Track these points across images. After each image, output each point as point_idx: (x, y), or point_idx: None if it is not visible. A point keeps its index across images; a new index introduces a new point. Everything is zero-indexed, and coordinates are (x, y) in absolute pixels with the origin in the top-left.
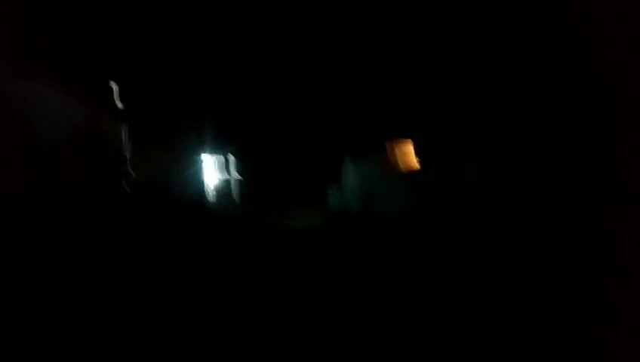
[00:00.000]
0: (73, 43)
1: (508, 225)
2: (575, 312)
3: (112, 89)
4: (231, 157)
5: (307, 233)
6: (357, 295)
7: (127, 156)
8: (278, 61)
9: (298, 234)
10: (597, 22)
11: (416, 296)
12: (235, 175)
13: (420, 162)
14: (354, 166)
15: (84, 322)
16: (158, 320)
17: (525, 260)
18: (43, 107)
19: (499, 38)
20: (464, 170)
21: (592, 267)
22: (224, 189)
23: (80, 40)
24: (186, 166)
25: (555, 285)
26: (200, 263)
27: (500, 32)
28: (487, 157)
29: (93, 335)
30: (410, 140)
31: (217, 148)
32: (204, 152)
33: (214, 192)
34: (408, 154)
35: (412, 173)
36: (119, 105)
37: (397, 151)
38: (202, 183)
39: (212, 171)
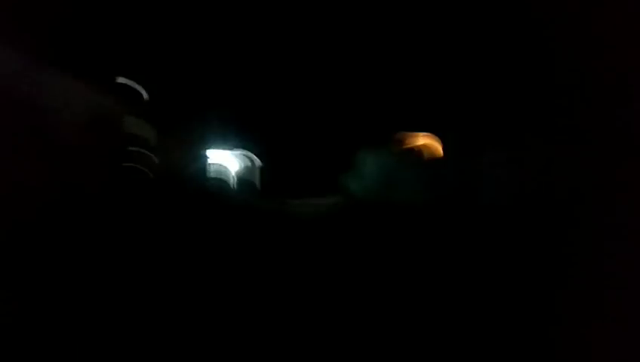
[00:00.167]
0: (90, 33)
1: (526, 219)
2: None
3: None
4: (245, 150)
5: (323, 222)
6: (372, 285)
7: (144, 147)
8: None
9: (315, 223)
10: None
11: (431, 287)
12: (249, 166)
13: (440, 151)
14: (370, 154)
15: (95, 313)
16: (174, 308)
17: (544, 254)
18: (56, 96)
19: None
20: (483, 160)
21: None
22: (243, 181)
23: (97, 30)
24: (202, 157)
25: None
26: (216, 252)
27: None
28: (508, 148)
29: (105, 326)
30: (427, 130)
31: (232, 139)
32: (220, 144)
33: (230, 183)
34: (428, 145)
35: (430, 163)
36: (137, 96)
37: (415, 140)
38: (218, 174)
39: (227, 162)
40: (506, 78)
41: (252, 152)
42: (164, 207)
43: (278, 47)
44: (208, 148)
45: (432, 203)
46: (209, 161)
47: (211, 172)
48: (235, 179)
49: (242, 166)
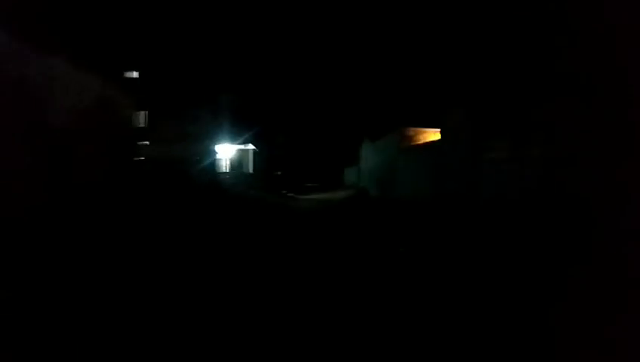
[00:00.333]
0: (93, 22)
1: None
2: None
3: (131, 69)
4: (249, 142)
5: (326, 214)
6: (375, 278)
7: (145, 137)
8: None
9: (316, 215)
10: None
11: (432, 280)
12: (250, 160)
13: (442, 147)
14: (372, 149)
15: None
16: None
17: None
18: (56, 85)
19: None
20: (487, 158)
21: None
22: (242, 173)
23: (100, 19)
24: (203, 150)
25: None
26: (214, 243)
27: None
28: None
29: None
30: (430, 126)
31: (234, 133)
32: (222, 137)
33: (232, 175)
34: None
35: (434, 159)
36: (138, 86)
37: (417, 135)
38: (219, 165)
39: (229, 154)
40: (509, 77)
41: (255, 146)
42: (159, 195)
43: (281, 43)
44: (209, 142)
45: (434, 197)
46: (209, 151)
47: (208, 163)
48: (232, 171)
49: (237, 153)
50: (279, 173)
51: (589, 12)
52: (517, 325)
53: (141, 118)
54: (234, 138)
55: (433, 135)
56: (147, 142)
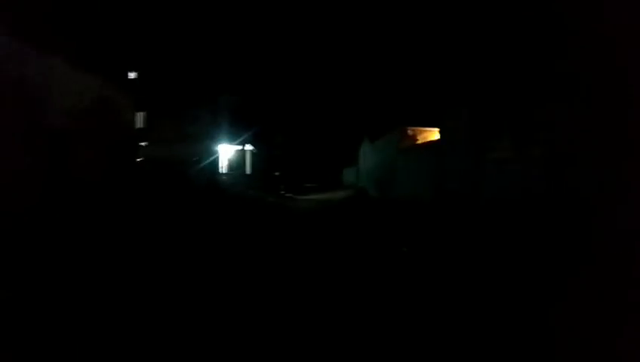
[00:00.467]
0: (92, 22)
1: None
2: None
3: (129, 70)
4: (247, 143)
5: (321, 216)
6: (373, 278)
7: (143, 138)
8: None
9: (315, 216)
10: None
11: (432, 281)
12: (249, 160)
13: (443, 147)
14: (371, 149)
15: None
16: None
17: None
18: (56, 85)
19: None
20: (490, 157)
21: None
22: (240, 174)
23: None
24: (201, 150)
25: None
26: (212, 243)
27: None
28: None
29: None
30: (430, 125)
31: (233, 133)
32: (221, 137)
33: (230, 176)
34: (428, 138)
35: (436, 159)
36: (137, 87)
37: (415, 135)
38: (217, 166)
39: (228, 155)
40: (512, 75)
41: (253, 146)
42: (158, 196)
43: (279, 43)
44: (208, 142)
45: (434, 197)
46: (206, 152)
47: (207, 163)
48: (231, 172)
49: (236, 153)
50: (278, 173)
51: (590, 11)
52: (518, 325)
53: (140, 118)
54: (233, 138)
55: (433, 134)
56: (146, 143)
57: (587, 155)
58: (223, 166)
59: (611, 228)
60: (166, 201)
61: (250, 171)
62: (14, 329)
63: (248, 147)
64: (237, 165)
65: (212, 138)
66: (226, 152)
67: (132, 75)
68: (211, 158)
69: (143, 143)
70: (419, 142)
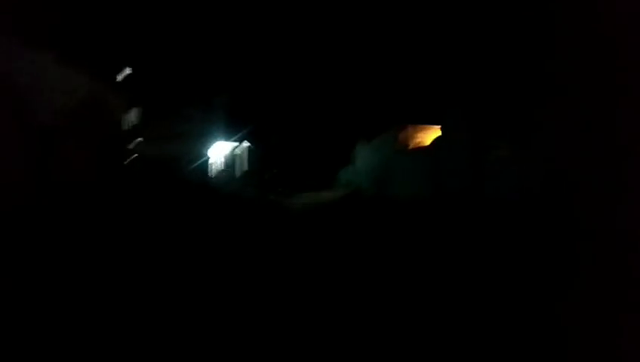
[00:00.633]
0: (81, 19)
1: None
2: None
3: (120, 67)
4: (243, 141)
5: (318, 214)
6: (367, 277)
7: (135, 136)
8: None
9: (309, 215)
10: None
11: (430, 281)
12: (245, 158)
13: (438, 145)
14: (367, 148)
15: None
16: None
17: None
18: (44, 83)
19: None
20: (487, 155)
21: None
22: (235, 172)
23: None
24: (196, 148)
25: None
26: (205, 242)
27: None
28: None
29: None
30: (428, 123)
31: (229, 131)
32: (216, 134)
33: (224, 175)
34: (424, 137)
35: (432, 157)
36: (128, 84)
37: (412, 133)
38: (209, 166)
39: (223, 154)
40: (512, 73)
41: (251, 144)
42: (149, 195)
43: (275, 40)
44: (204, 140)
45: (432, 196)
46: (199, 151)
47: (200, 163)
48: (225, 171)
49: (231, 151)
50: (274, 171)
51: (592, 9)
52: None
53: (134, 115)
54: (228, 136)
55: (431, 133)
56: (140, 140)
57: (588, 154)
58: (219, 164)
59: (613, 228)
60: (159, 201)
61: (245, 169)
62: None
63: (244, 145)
64: (232, 163)
65: (207, 136)
66: (221, 150)
67: (127, 71)
68: (206, 156)
69: (136, 140)
70: (416, 141)
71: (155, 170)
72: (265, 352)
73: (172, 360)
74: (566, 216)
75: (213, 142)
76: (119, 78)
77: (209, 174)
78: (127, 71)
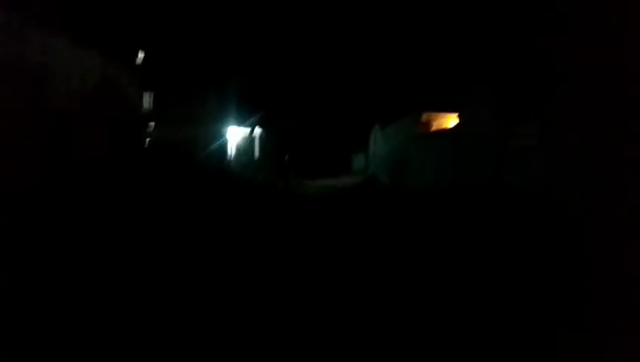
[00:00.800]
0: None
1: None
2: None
3: (136, 50)
4: (256, 126)
5: (330, 203)
6: (381, 265)
7: (150, 119)
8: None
9: (323, 202)
10: None
11: (440, 270)
12: (259, 143)
13: (457, 133)
14: (383, 134)
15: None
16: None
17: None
18: (59, 67)
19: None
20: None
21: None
22: (248, 158)
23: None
24: (210, 133)
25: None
26: (218, 227)
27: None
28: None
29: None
30: (447, 110)
31: (243, 116)
32: (230, 120)
33: (239, 160)
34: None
35: (446, 143)
36: (144, 67)
37: (429, 120)
38: (226, 151)
39: (236, 140)
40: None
41: (263, 130)
42: (163, 178)
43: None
44: (217, 125)
45: (450, 185)
46: (214, 136)
47: (215, 148)
48: (239, 156)
49: (244, 137)
50: (287, 157)
51: None
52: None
53: (147, 100)
54: (242, 121)
55: (450, 120)
56: (154, 125)
57: (621, 146)
58: (232, 149)
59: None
60: (174, 186)
61: (258, 155)
62: (15, 319)
63: (257, 131)
64: (246, 149)
65: (221, 121)
66: (234, 136)
67: (140, 55)
68: (220, 142)
69: (150, 124)
70: (434, 128)
71: (170, 155)
72: (279, 336)
73: (192, 338)
74: (596, 213)
75: (228, 127)
76: (134, 62)
77: (228, 158)
78: (141, 55)
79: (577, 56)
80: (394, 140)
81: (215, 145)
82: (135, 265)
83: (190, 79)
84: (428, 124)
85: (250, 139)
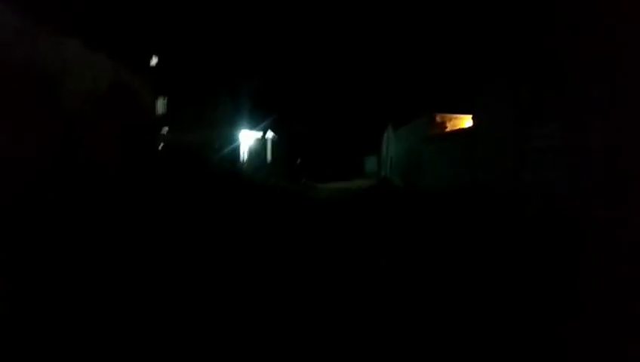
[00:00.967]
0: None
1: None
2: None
3: (149, 54)
4: (268, 129)
5: (344, 205)
6: (395, 268)
7: (164, 123)
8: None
9: (335, 207)
10: None
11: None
12: (271, 146)
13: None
14: (395, 136)
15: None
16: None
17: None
18: (70, 70)
19: None
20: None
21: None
22: (261, 161)
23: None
24: (223, 136)
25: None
26: (230, 232)
27: None
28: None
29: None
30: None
31: (255, 120)
32: (242, 124)
33: (251, 164)
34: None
35: (461, 145)
36: (157, 72)
37: (443, 121)
38: (238, 155)
39: (249, 143)
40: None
41: (274, 133)
42: (174, 181)
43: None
44: (229, 129)
45: (467, 189)
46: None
47: (228, 151)
48: (251, 160)
49: (256, 140)
50: (299, 160)
51: None
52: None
53: (160, 104)
54: (253, 125)
55: (464, 121)
56: (166, 129)
57: None
58: (244, 153)
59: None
60: (187, 189)
61: (270, 159)
62: (22, 334)
63: (269, 134)
64: (258, 153)
65: (233, 125)
66: (247, 139)
67: (153, 60)
68: (232, 145)
69: (164, 129)
70: (448, 129)
71: (183, 159)
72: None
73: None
74: (622, 217)
75: (240, 130)
76: (146, 65)
77: (241, 161)
78: (155, 59)
79: (600, 51)
80: (407, 142)
81: (228, 149)
82: (150, 267)
83: (203, 83)
84: (442, 124)
85: (263, 142)
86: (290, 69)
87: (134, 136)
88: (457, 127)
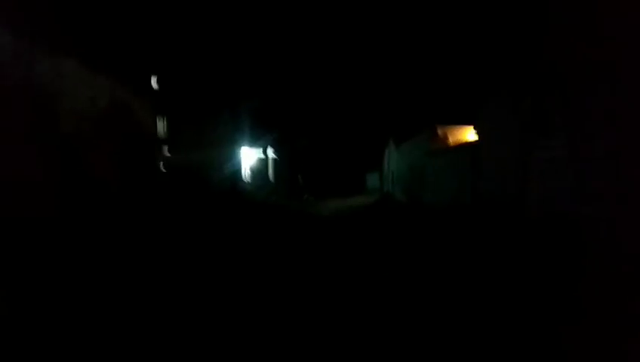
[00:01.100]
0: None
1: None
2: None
3: (149, 74)
4: (269, 147)
5: (346, 222)
6: (397, 283)
7: (163, 142)
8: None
9: (336, 225)
10: None
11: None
12: (272, 164)
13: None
14: (397, 152)
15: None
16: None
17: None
18: (67, 88)
19: None
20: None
21: None
22: (262, 178)
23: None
24: (224, 155)
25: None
26: (232, 247)
27: None
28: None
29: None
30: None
31: (256, 138)
32: (243, 142)
33: (253, 182)
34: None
35: (463, 158)
36: (157, 92)
37: (445, 134)
38: (239, 171)
39: (250, 161)
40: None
41: (275, 151)
42: (176, 200)
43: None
44: (230, 148)
45: (471, 204)
46: (227, 157)
47: (228, 168)
48: (253, 177)
49: (257, 158)
50: (300, 178)
51: None
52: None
53: (160, 124)
54: (254, 143)
55: (466, 134)
56: (167, 148)
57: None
58: (246, 171)
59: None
60: (188, 209)
61: (272, 177)
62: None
63: (270, 152)
64: (259, 171)
65: (234, 143)
66: (248, 158)
67: (153, 80)
68: (233, 164)
69: (164, 148)
70: (450, 142)
71: (184, 179)
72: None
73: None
74: (632, 230)
75: (241, 148)
76: (146, 85)
77: (243, 180)
78: (154, 79)
79: (604, 60)
80: (409, 157)
81: (229, 167)
82: (153, 284)
83: (203, 102)
84: (444, 138)
85: (264, 160)
86: (291, 87)
87: (134, 156)
88: (459, 139)
